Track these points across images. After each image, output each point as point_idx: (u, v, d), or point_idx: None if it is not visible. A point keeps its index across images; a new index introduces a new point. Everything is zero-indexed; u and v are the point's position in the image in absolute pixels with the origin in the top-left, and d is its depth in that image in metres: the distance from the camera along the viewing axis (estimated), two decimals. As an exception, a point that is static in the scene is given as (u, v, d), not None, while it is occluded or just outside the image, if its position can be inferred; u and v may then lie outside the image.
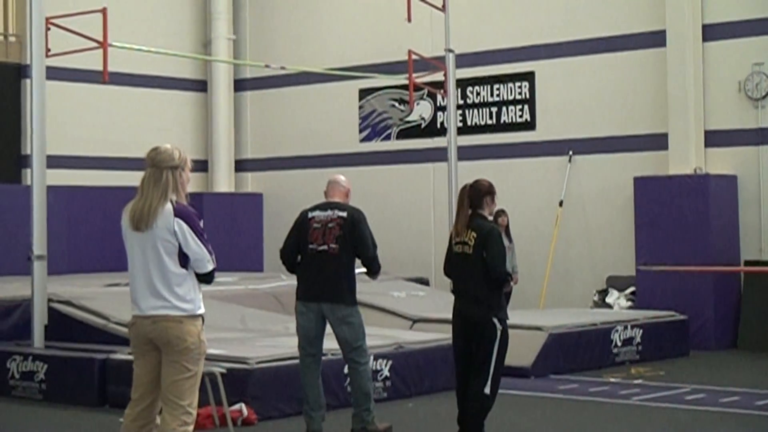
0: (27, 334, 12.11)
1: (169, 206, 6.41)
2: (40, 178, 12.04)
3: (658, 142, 16.51)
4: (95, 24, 12.73)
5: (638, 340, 14.02)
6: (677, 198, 15.73)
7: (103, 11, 12.69)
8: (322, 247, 9.07)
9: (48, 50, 12.26)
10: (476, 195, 8.52)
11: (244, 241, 20.22)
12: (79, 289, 13.68)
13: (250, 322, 12.82)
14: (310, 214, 9.22)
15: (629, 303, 16.18)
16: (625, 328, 13.92)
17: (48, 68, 12.33)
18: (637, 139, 16.85)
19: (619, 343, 13.76)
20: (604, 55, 17.23)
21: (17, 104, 18.49)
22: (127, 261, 6.58)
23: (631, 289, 16.28)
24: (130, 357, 6.70)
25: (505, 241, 9.91)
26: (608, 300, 16.41)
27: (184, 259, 6.44)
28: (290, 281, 9.93)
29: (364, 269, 9.31)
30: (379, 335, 11.62)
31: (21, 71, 18.31)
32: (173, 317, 6.39)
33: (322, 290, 9.03)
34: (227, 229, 19.76)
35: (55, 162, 15.09)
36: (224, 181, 20.85)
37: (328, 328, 9.17)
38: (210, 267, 6.50)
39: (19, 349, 11.81)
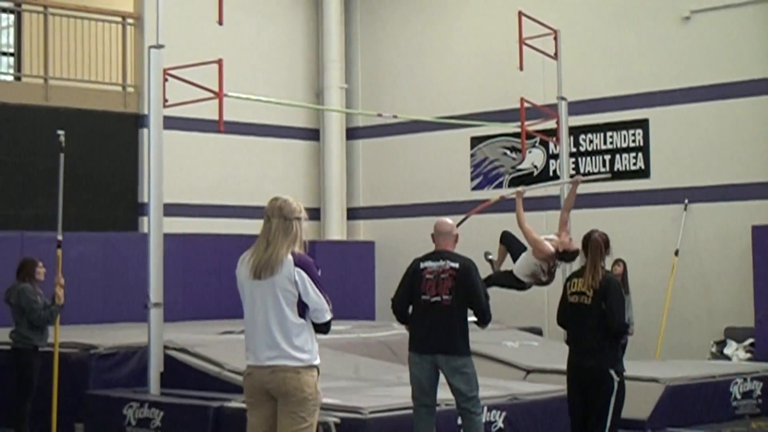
0: (143, 381, 12.26)
1: (289, 256, 6.45)
2: (157, 226, 12.21)
3: (776, 189, 16.20)
4: (211, 74, 12.91)
5: (758, 393, 13.65)
6: (797, 247, 15.40)
7: (219, 62, 12.87)
8: (435, 298, 9.04)
9: (165, 100, 12.48)
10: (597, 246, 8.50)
11: (356, 290, 20.24)
12: (195, 336, 13.81)
13: (364, 371, 12.78)
14: (422, 265, 9.19)
15: (748, 355, 15.81)
16: (745, 380, 13.58)
17: (165, 118, 12.57)
18: (755, 187, 16.53)
19: (738, 396, 13.42)
20: (720, 101, 16.97)
21: (135, 153, 18.82)
22: (243, 309, 6.60)
23: (750, 340, 15.91)
24: (244, 405, 6.71)
25: (621, 292, 9.78)
26: (726, 351, 16.06)
27: (302, 309, 6.45)
28: (402, 330, 9.90)
29: (474, 318, 9.27)
30: (492, 386, 11.50)
31: (139, 121, 18.66)
32: (291, 368, 6.39)
33: (436, 341, 8.99)
34: (339, 277, 19.80)
35: (171, 210, 15.31)
36: (337, 229, 20.93)
37: (442, 378, 9.12)
38: (328, 317, 6.52)
39: (136, 396, 11.94)
